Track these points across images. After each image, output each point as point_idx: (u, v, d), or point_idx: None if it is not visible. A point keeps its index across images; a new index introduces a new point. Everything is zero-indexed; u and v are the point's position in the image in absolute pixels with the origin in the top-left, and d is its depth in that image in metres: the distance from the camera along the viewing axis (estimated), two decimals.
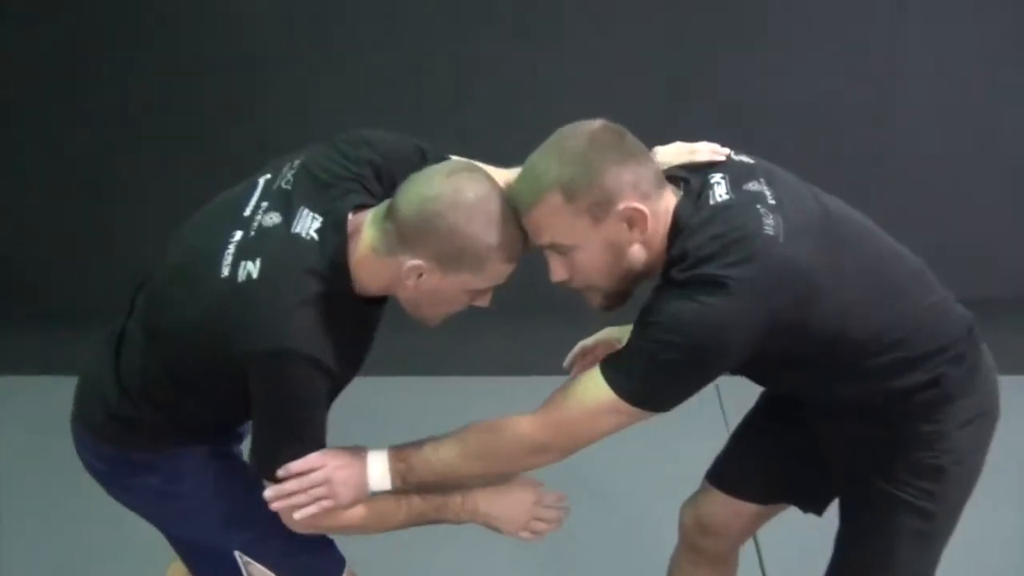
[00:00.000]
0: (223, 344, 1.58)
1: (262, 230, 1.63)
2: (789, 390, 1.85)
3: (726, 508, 2.01)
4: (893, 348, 1.65)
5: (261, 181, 1.74)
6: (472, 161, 1.71)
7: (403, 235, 1.56)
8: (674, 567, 2.19)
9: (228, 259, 1.61)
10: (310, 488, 1.63)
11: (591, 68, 4.05)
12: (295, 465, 1.63)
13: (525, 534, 1.77)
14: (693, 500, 2.09)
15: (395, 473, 1.67)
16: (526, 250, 1.63)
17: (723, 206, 1.57)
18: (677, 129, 1.85)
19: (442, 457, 1.66)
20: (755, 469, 2.00)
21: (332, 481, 1.64)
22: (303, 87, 4.23)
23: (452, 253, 1.55)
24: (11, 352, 4.14)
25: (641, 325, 1.57)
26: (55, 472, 2.39)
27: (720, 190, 1.60)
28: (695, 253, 1.52)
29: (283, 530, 1.73)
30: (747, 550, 2.64)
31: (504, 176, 1.75)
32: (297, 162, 1.73)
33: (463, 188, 1.55)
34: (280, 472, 1.63)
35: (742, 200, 1.57)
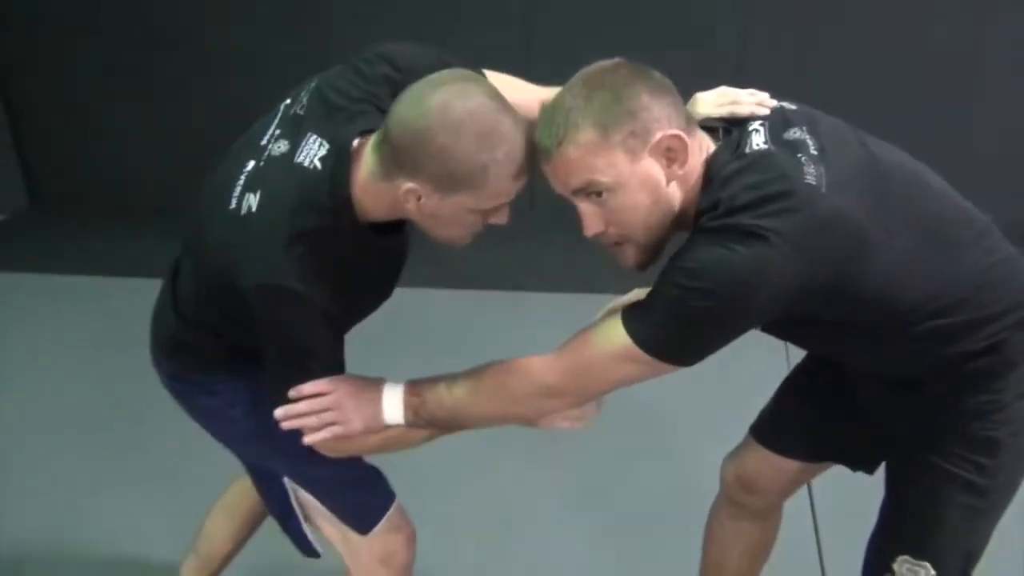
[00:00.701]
0: (228, 276, 1.57)
1: (270, 159, 1.59)
2: (833, 354, 1.73)
3: (769, 464, 1.93)
4: (950, 311, 1.52)
5: (281, 107, 1.68)
6: (472, 71, 1.55)
7: (396, 158, 1.46)
8: (713, 519, 2.12)
9: (237, 190, 1.58)
10: (320, 411, 1.60)
11: None
12: (306, 387, 1.60)
13: (564, 423, 1.67)
14: (735, 454, 2.01)
15: (408, 406, 1.63)
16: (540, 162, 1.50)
17: (760, 154, 1.44)
18: None
19: (455, 393, 1.60)
20: (801, 427, 1.90)
21: (343, 407, 1.61)
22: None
23: (445, 174, 1.44)
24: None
25: (666, 272, 1.45)
26: None
27: (758, 139, 1.46)
28: (729, 202, 1.39)
29: (332, 462, 1.74)
30: (800, 501, 2.57)
31: (532, 93, 1.69)
32: (313, 84, 1.67)
33: (451, 103, 1.42)
34: (292, 392, 1.60)
35: (782, 149, 1.44)
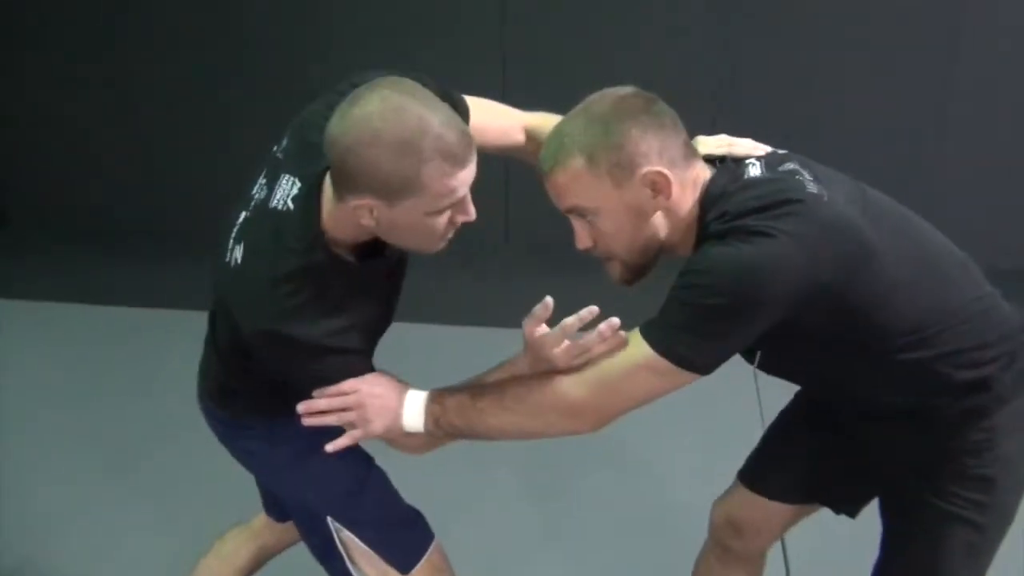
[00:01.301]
0: (235, 325, 1.65)
1: (255, 208, 1.65)
2: (831, 387, 1.72)
3: (757, 508, 1.94)
4: (938, 339, 1.55)
5: (272, 150, 1.72)
6: (401, 77, 1.52)
7: (337, 179, 1.48)
8: (702, 564, 2.12)
9: (230, 243, 1.65)
10: (340, 410, 1.63)
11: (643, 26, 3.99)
12: (330, 388, 1.63)
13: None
14: (724, 499, 2.02)
15: (429, 414, 1.63)
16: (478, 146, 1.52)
17: (762, 178, 1.53)
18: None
19: (478, 405, 1.60)
20: (787, 469, 1.92)
21: (364, 407, 1.63)
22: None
23: (382, 185, 1.43)
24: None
25: (678, 280, 1.49)
26: None
27: (755, 170, 1.56)
28: (736, 209, 1.47)
29: (375, 503, 1.84)
30: (773, 550, 2.57)
31: (513, 118, 1.80)
32: (296, 122, 1.69)
33: (369, 114, 1.41)
34: (315, 392, 1.64)
35: (781, 174, 1.54)
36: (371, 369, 1.68)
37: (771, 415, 2.04)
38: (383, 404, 1.63)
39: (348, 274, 1.60)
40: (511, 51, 4.14)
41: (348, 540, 1.89)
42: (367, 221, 1.49)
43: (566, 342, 1.56)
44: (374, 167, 1.42)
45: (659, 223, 1.53)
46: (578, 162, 1.48)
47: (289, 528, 2.15)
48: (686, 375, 1.48)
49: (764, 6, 4.12)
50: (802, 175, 1.52)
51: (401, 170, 1.42)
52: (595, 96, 1.56)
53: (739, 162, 1.59)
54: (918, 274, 1.56)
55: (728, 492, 2.00)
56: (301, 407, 1.66)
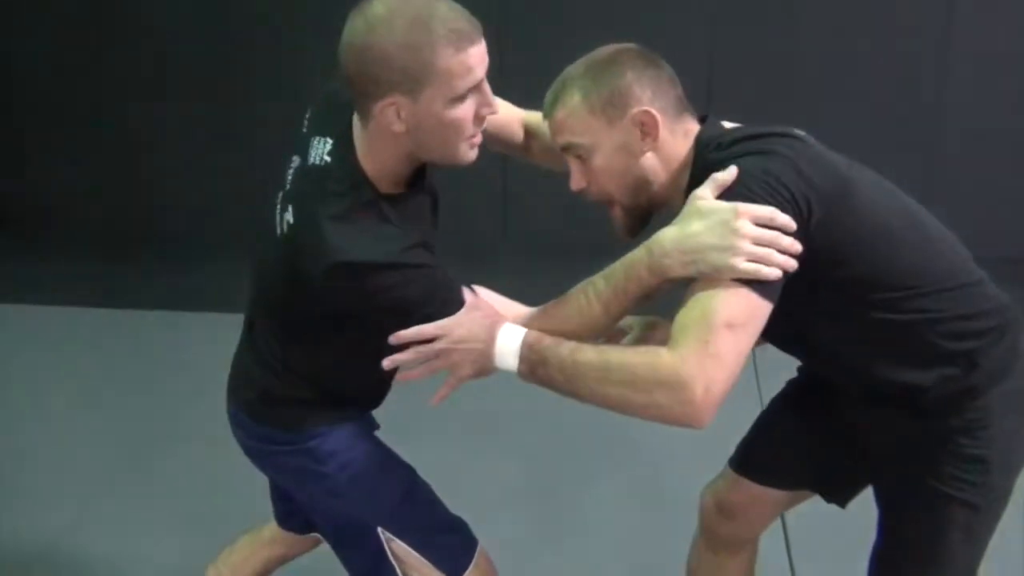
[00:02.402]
0: (306, 290, 1.58)
1: (293, 176, 1.67)
2: (827, 360, 1.71)
3: (747, 493, 1.95)
4: (924, 300, 1.57)
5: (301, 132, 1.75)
6: None
7: (360, 90, 1.51)
8: (693, 552, 2.13)
9: (277, 218, 1.66)
10: (428, 358, 1.57)
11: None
12: (410, 331, 1.55)
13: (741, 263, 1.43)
14: (714, 484, 2.03)
15: (525, 361, 1.54)
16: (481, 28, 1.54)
17: (751, 127, 1.61)
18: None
19: (579, 360, 1.50)
20: (777, 455, 1.93)
21: (450, 353, 1.56)
22: None
23: (400, 75, 1.46)
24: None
25: (694, 214, 1.47)
26: None
27: (745, 130, 1.63)
28: (730, 139, 1.57)
29: (424, 511, 1.85)
30: (774, 535, 2.58)
31: (511, 112, 1.90)
32: (317, 99, 1.75)
33: (375, 14, 1.47)
34: (392, 339, 1.56)
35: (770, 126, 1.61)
36: (452, 280, 1.61)
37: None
38: (471, 348, 1.56)
39: (396, 206, 1.60)
40: (508, 51, 4.15)
41: (400, 550, 1.85)
42: (397, 127, 1.50)
43: None
44: (391, 57, 1.45)
45: (649, 165, 1.59)
46: (575, 99, 1.57)
47: (301, 539, 2.14)
48: (763, 301, 1.43)
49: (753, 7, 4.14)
50: (790, 129, 1.60)
51: (417, 55, 1.45)
52: (601, 48, 1.64)
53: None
54: (903, 230, 1.58)
55: (718, 477, 2.01)
56: (385, 362, 1.59)
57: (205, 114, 4.63)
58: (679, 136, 1.60)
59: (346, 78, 1.52)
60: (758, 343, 1.52)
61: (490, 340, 1.56)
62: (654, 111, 1.56)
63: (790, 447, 1.91)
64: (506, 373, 1.59)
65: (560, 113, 1.59)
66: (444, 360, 1.57)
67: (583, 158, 1.60)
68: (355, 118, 1.59)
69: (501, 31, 4.14)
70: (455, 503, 1.95)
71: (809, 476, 1.91)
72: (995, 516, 1.69)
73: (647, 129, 1.56)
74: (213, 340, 2.48)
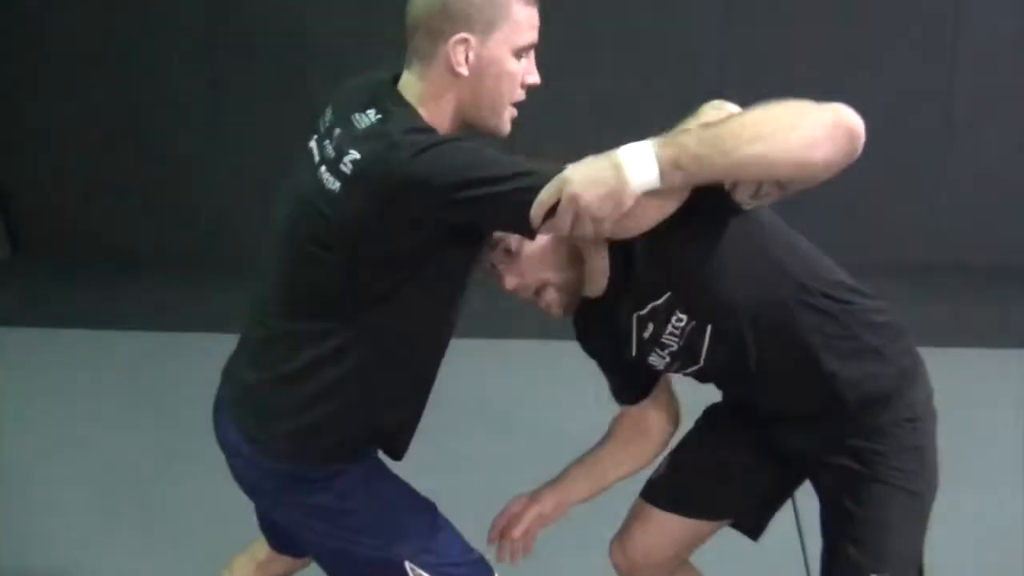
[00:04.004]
0: (379, 223, 1.53)
1: (336, 144, 1.61)
2: (772, 376, 1.72)
3: (654, 532, 1.94)
4: (836, 289, 1.67)
5: (311, 146, 1.71)
6: None
7: (433, 29, 1.57)
8: None
9: (323, 182, 1.59)
10: (569, 214, 1.42)
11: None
12: (543, 197, 1.43)
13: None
14: (619, 535, 2.01)
15: (665, 160, 1.39)
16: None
17: None
18: None
19: (720, 133, 1.40)
20: (696, 483, 1.94)
21: (579, 202, 1.40)
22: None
23: (479, 14, 1.55)
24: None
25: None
26: None
27: None
28: None
29: (449, 542, 1.82)
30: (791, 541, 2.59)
31: None
32: (339, 94, 1.73)
33: None
34: (533, 213, 1.45)
35: None
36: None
37: None
38: (598, 189, 1.40)
39: None
40: None
41: None
42: (463, 68, 1.57)
43: None
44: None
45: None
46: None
47: (296, 559, 2.12)
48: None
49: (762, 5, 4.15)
50: None
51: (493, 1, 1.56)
52: None
53: None
54: (794, 242, 1.69)
55: (624, 526, 2.00)
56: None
57: (221, 137, 4.71)
58: None
59: (416, 21, 1.59)
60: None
61: (614, 169, 1.41)
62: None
63: (708, 475, 1.92)
64: None
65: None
66: (574, 207, 1.40)
67: (512, 252, 1.59)
68: (407, 79, 1.63)
69: None
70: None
71: (725, 503, 1.93)
72: (931, 502, 1.77)
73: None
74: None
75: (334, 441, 1.73)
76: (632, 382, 1.89)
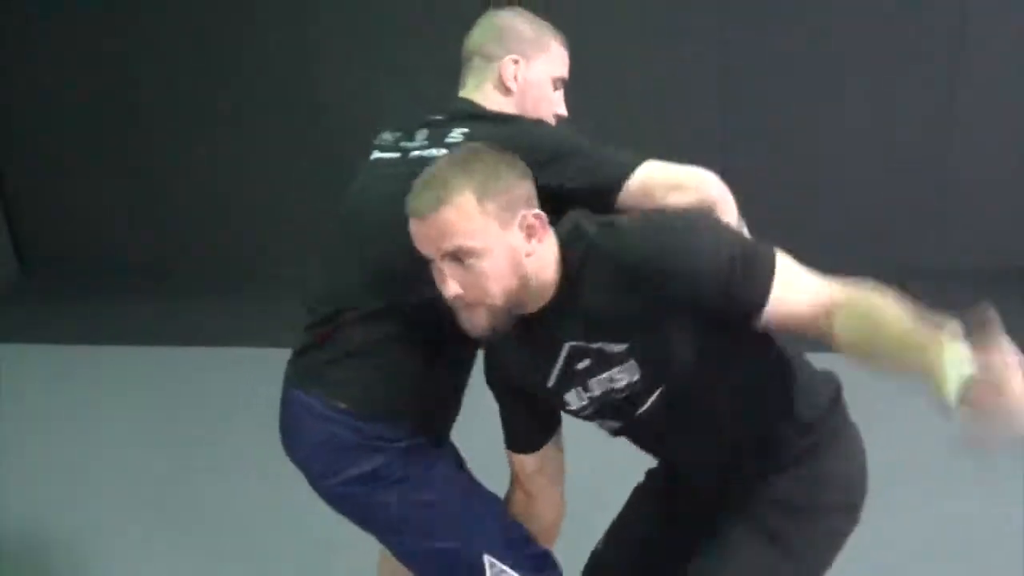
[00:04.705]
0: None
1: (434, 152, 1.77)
2: (710, 427, 1.67)
3: None
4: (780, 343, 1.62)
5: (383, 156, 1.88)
6: None
7: (489, 53, 1.89)
8: None
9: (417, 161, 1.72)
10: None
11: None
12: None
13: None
14: None
15: None
16: None
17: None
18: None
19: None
20: (628, 562, 1.86)
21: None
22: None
23: (527, 44, 1.89)
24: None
25: (647, 281, 1.47)
26: None
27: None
28: (606, 225, 1.58)
29: (516, 533, 1.84)
30: None
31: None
32: (394, 128, 1.92)
33: (497, 11, 1.95)
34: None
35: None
36: None
37: None
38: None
39: None
40: None
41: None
42: (511, 83, 1.87)
43: None
44: (522, 31, 1.90)
45: (532, 266, 1.52)
46: (469, 200, 1.47)
47: None
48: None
49: (764, 9, 4.18)
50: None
51: (539, 35, 1.91)
52: (466, 149, 1.61)
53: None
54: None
55: None
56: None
57: (227, 152, 4.72)
58: (551, 234, 1.55)
59: (474, 47, 1.91)
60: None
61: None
62: (541, 213, 1.52)
63: (643, 555, 1.84)
64: None
65: (452, 214, 1.47)
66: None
67: (464, 263, 1.49)
68: (467, 98, 1.89)
69: None
70: None
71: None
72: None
73: (534, 231, 1.51)
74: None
75: (402, 396, 1.77)
76: (531, 424, 1.81)
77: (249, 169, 4.72)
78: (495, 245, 1.48)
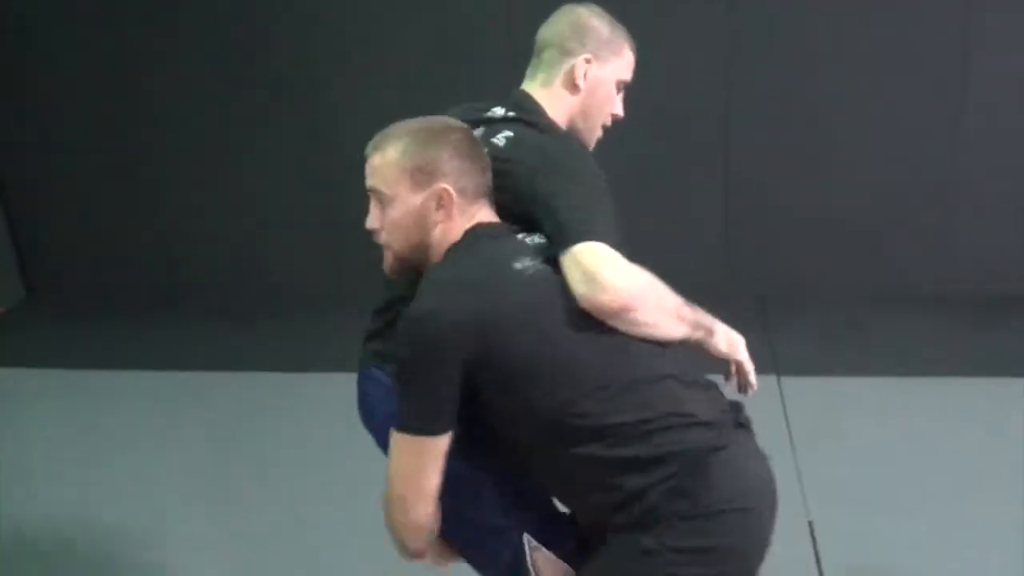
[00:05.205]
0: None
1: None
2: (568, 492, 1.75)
3: None
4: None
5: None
6: None
7: (565, 49, 1.94)
8: None
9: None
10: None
11: None
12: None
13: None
14: None
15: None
16: None
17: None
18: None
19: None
20: None
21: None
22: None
23: (605, 43, 1.94)
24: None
25: None
26: None
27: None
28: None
29: (549, 512, 1.83)
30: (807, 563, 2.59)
31: None
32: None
33: (575, 9, 2.01)
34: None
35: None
36: None
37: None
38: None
39: None
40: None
41: (540, 563, 1.79)
42: (581, 82, 1.93)
43: None
44: (601, 32, 1.95)
45: (434, 235, 1.73)
46: (393, 154, 1.71)
47: None
48: (428, 441, 1.59)
49: (770, 28, 4.20)
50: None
51: (615, 38, 1.96)
52: (436, 116, 1.82)
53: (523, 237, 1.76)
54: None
55: None
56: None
57: (228, 181, 4.74)
58: (465, 218, 1.74)
59: (551, 40, 1.96)
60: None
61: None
62: (453, 191, 1.70)
63: None
64: None
65: (377, 159, 1.73)
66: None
67: (383, 205, 1.73)
68: (530, 87, 1.97)
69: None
70: None
71: None
72: None
73: (442, 204, 1.70)
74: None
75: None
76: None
77: (260, 192, 4.72)
78: (402, 198, 1.70)
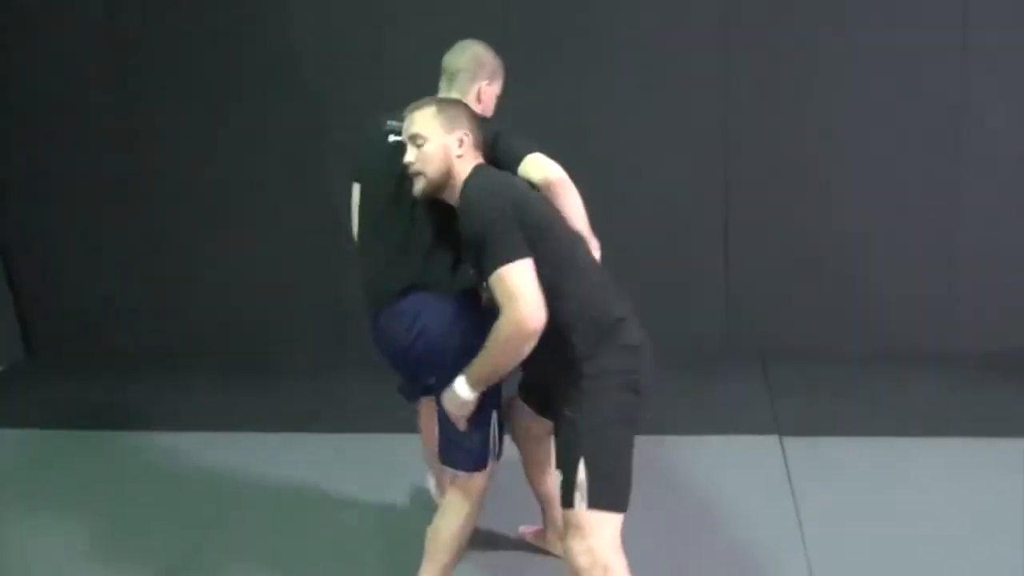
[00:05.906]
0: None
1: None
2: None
3: (526, 416, 2.82)
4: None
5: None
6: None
7: (471, 74, 2.69)
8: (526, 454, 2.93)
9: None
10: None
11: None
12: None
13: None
14: (516, 424, 2.86)
15: (473, 384, 2.41)
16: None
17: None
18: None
19: (480, 362, 2.36)
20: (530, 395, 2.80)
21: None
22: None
23: (492, 71, 2.73)
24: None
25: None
26: None
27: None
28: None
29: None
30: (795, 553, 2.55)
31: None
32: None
33: (477, 44, 2.77)
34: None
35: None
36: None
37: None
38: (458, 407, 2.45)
39: None
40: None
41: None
42: (484, 96, 2.71)
43: None
44: (489, 62, 2.73)
45: (455, 166, 2.44)
46: (429, 110, 2.46)
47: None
48: (527, 261, 2.23)
49: (768, 51, 4.26)
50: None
51: (497, 66, 2.75)
52: (452, 99, 2.58)
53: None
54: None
55: (514, 418, 2.84)
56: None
57: (234, 242, 4.78)
58: (471, 160, 2.47)
59: (462, 66, 2.69)
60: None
61: (457, 396, 2.42)
62: (470, 136, 2.47)
63: (533, 393, 2.77)
64: None
65: (418, 115, 2.46)
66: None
67: (420, 146, 2.43)
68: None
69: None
70: None
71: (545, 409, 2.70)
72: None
73: (462, 145, 2.45)
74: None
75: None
76: None
77: (258, 253, 4.75)
78: (436, 137, 2.42)
